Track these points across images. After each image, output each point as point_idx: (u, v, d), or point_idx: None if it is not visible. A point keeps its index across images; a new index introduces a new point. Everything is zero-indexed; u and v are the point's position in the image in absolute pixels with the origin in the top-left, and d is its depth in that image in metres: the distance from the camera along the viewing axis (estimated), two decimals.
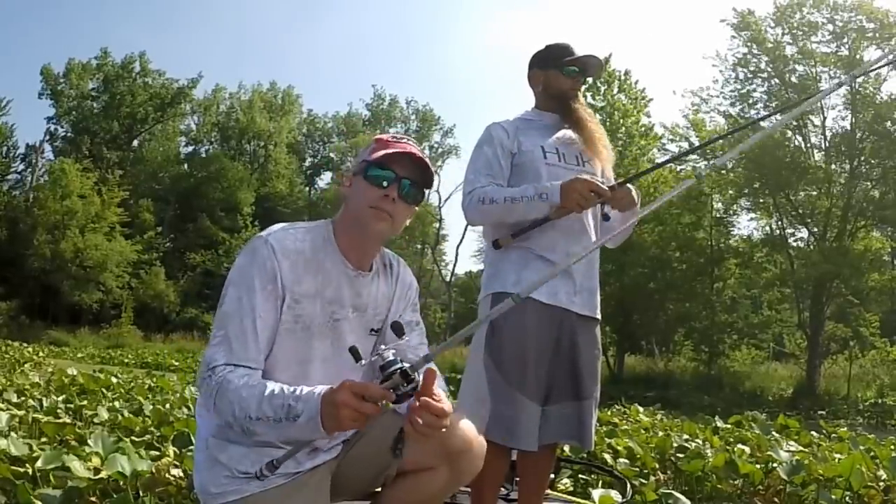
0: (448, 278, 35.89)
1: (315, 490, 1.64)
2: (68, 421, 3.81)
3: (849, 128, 19.31)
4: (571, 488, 3.40)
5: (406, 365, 1.31)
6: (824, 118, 19.93)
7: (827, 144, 19.97)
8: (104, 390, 6.46)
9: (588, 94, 22.33)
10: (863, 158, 18.82)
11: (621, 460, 3.70)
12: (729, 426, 5.54)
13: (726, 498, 3.46)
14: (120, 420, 4.12)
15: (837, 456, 3.88)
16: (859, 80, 19.24)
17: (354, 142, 37.78)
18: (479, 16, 67.56)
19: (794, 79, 19.76)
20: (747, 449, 4.00)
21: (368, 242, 1.66)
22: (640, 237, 19.78)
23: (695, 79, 65.28)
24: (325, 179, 42.90)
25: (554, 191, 2.16)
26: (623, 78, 24.06)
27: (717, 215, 21.80)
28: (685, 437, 4.49)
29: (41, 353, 16.16)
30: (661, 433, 4.76)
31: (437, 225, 36.69)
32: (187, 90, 38.70)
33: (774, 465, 3.48)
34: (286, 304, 1.55)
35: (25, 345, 19.01)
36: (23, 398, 5.18)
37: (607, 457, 3.77)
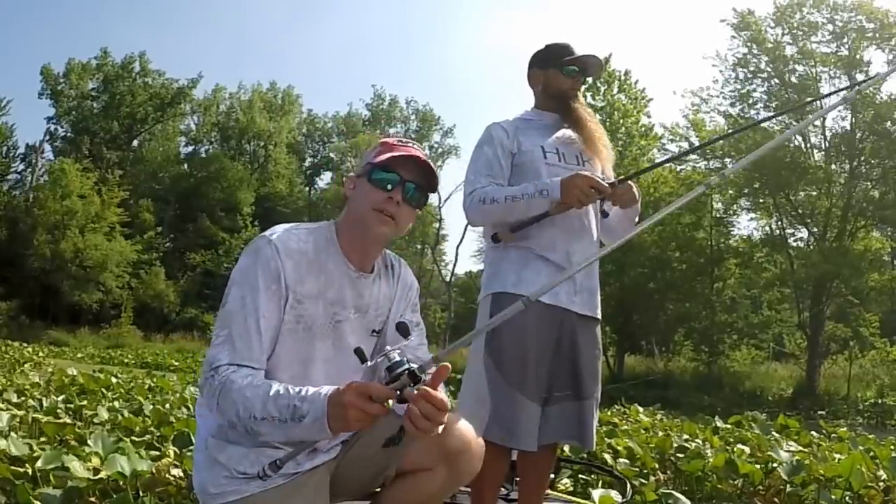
0: (448, 278, 35.89)
1: (314, 490, 1.64)
2: (68, 421, 3.81)
3: (849, 128, 19.33)
4: (571, 488, 3.40)
5: (414, 365, 1.31)
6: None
7: (827, 144, 19.98)
8: (104, 390, 6.45)
9: (588, 94, 22.34)
10: (863, 158, 18.84)
11: (621, 460, 3.70)
12: (729, 426, 5.53)
13: (726, 498, 3.46)
14: (120, 420, 4.11)
15: (837, 456, 3.88)
16: (859, 79, 19.27)
17: (354, 142, 37.77)
18: (479, 16, 67.63)
19: (794, 79, 19.78)
20: (747, 449, 4.00)
21: (371, 244, 1.66)
22: (640, 237, 19.76)
23: (695, 79, 65.30)
24: (325, 179, 42.95)
25: (554, 187, 2.16)
26: (623, 78, 24.08)
27: (717, 215, 21.81)
28: (685, 437, 4.49)
29: (41, 353, 16.16)
30: (661, 433, 4.76)
31: (437, 225, 36.69)
32: (187, 90, 38.70)
33: (774, 465, 3.48)
34: (289, 305, 1.56)
35: (25, 345, 19.01)
36: (23, 398, 5.18)
37: (607, 457, 3.77)
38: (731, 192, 20.84)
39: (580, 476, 3.54)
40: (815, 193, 19.58)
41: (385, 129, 40.18)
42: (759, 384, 18.57)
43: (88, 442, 2.98)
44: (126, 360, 17.75)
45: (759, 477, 3.39)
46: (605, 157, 2.37)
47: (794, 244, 21.01)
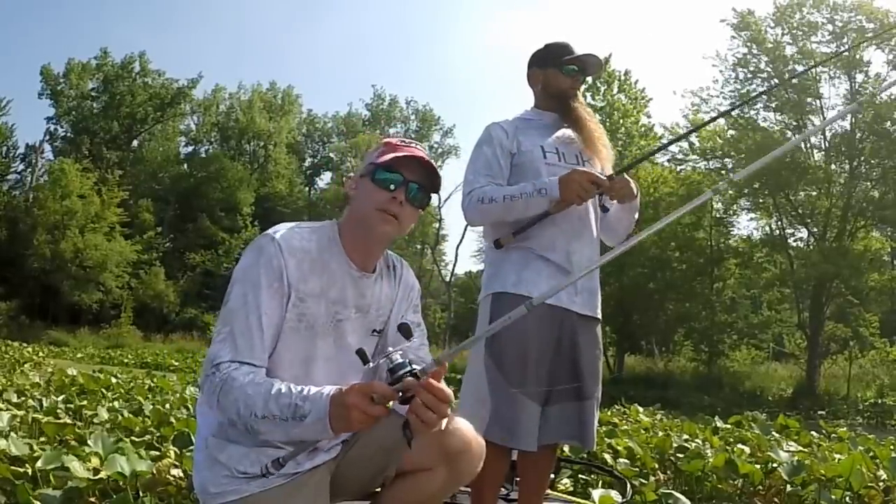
0: (448, 278, 35.91)
1: (315, 490, 1.64)
2: (68, 421, 3.81)
3: (849, 128, 19.33)
4: (571, 488, 3.40)
5: (417, 367, 1.31)
6: (824, 118, 19.94)
7: (827, 144, 19.98)
8: (104, 390, 6.45)
9: (588, 94, 22.36)
10: (863, 158, 18.84)
11: (621, 460, 3.70)
12: (729, 426, 5.53)
13: (726, 498, 3.46)
14: (120, 420, 4.11)
15: (837, 456, 3.87)
16: (859, 80, 19.30)
17: (354, 142, 37.79)
18: (479, 16, 67.61)
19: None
20: (747, 449, 4.00)
21: (374, 244, 1.67)
22: None
23: (695, 79, 65.28)
24: (324, 179, 42.96)
25: (552, 185, 2.17)
26: (623, 78, 24.13)
27: (717, 215, 21.82)
28: (685, 437, 4.49)
29: (41, 353, 16.16)
30: (661, 433, 4.76)
31: (437, 225, 36.72)
32: (187, 90, 38.68)
33: (774, 465, 3.48)
34: (291, 303, 1.56)
35: (25, 345, 19.01)
36: (23, 398, 5.17)
37: (607, 457, 3.77)
38: (730, 192, 20.83)
39: (580, 476, 3.54)
40: (815, 193, 19.58)
41: (385, 129, 40.20)
42: (759, 384, 18.57)
43: (88, 442, 2.98)
44: (126, 361, 17.75)
45: (759, 477, 3.39)
46: (604, 157, 2.37)
47: (794, 244, 21.04)
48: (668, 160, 22.77)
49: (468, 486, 2.17)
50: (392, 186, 1.59)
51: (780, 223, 20.80)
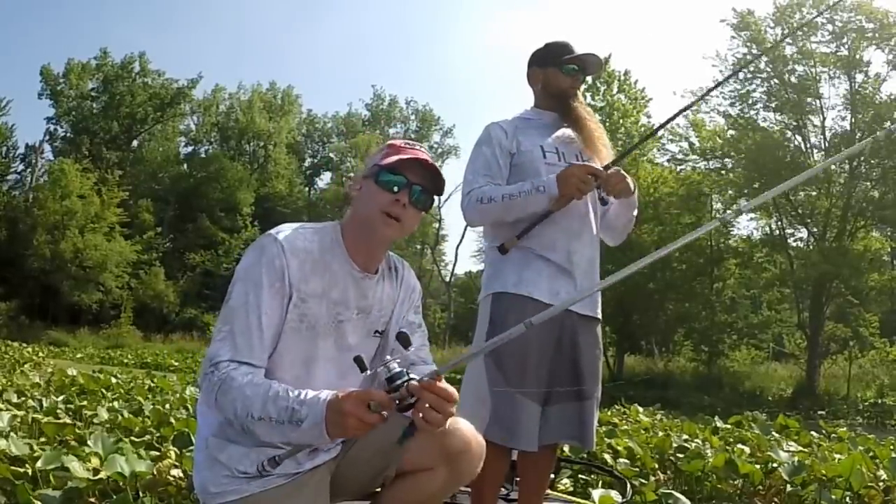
0: (448, 278, 35.92)
1: (315, 490, 1.64)
2: (68, 421, 3.81)
3: (848, 128, 19.32)
4: (571, 488, 3.40)
5: (414, 377, 1.32)
6: (824, 118, 19.97)
7: (827, 144, 19.97)
8: (104, 390, 6.45)
9: (588, 94, 22.35)
10: (863, 158, 18.82)
11: (621, 460, 3.70)
12: (729, 426, 5.53)
13: (726, 498, 3.46)
14: (120, 420, 4.11)
15: (837, 456, 3.87)
16: (859, 79, 19.29)
17: (354, 142, 37.82)
18: (479, 16, 67.56)
19: (793, 79, 19.77)
20: (747, 449, 4.00)
21: (376, 246, 1.67)
22: (640, 237, 19.77)
23: (695, 79, 65.15)
24: (324, 180, 42.97)
25: (551, 182, 2.17)
26: (623, 78, 24.13)
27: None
28: (685, 437, 4.48)
29: (41, 354, 16.16)
30: (660, 433, 4.76)
31: (437, 225, 36.72)
32: (187, 90, 38.69)
33: (774, 465, 3.48)
34: (292, 303, 1.56)
35: (25, 345, 19.00)
36: (23, 398, 5.17)
37: (607, 457, 3.77)
38: (730, 192, 20.83)
39: (580, 476, 3.54)
40: (814, 193, 19.56)
41: (385, 129, 40.21)
42: (759, 384, 18.57)
43: (88, 442, 2.98)
44: (126, 361, 17.75)
45: (759, 477, 3.39)
46: (604, 157, 2.37)
47: (794, 244, 21.02)
48: (668, 160, 22.80)
49: (468, 486, 2.16)
50: (395, 188, 1.59)
51: (779, 223, 20.79)
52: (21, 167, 34.93)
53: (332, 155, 42.26)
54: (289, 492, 1.58)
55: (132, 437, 3.48)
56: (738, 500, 3.45)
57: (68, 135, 36.89)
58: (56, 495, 2.47)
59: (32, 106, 68.40)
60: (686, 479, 3.60)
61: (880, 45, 18.79)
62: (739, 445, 4.16)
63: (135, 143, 39.04)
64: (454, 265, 37.19)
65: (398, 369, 1.34)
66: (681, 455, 3.80)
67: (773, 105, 20.18)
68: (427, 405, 1.32)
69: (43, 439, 3.45)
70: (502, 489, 2.67)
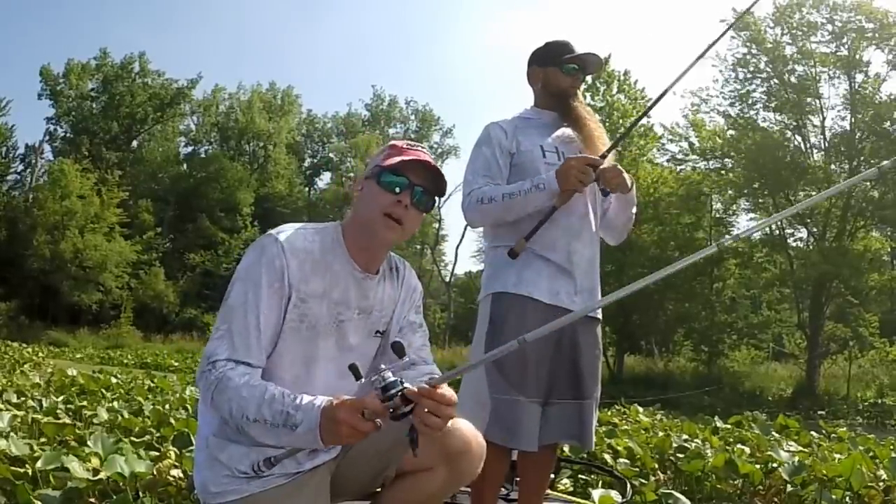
0: (448, 278, 35.91)
1: (315, 490, 1.64)
2: (68, 421, 3.81)
3: (848, 128, 19.32)
4: (571, 488, 3.40)
5: (408, 387, 1.33)
6: (823, 118, 19.98)
7: (826, 144, 19.97)
8: (104, 391, 6.45)
9: (587, 94, 22.33)
10: (862, 158, 18.82)
11: (621, 460, 3.70)
12: (729, 426, 5.53)
13: (726, 498, 3.46)
14: (119, 421, 4.11)
15: (837, 456, 3.87)
16: (858, 79, 19.29)
17: (354, 142, 37.81)
18: (479, 16, 67.52)
19: (793, 79, 19.77)
20: (747, 449, 4.00)
21: (377, 247, 1.67)
22: (640, 237, 19.79)
23: (695, 79, 65.07)
24: (324, 180, 42.92)
25: (550, 179, 2.17)
26: (623, 78, 24.09)
27: (717, 215, 21.81)
28: (685, 437, 4.48)
29: (41, 354, 16.16)
30: (660, 433, 4.76)
31: (437, 225, 36.72)
32: (186, 90, 38.67)
33: (774, 465, 3.48)
34: (292, 303, 1.56)
35: (25, 345, 19.00)
36: (23, 398, 5.17)
37: (607, 457, 3.77)
38: (730, 192, 20.85)
39: (580, 476, 3.54)
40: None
41: (384, 129, 40.22)
42: (759, 384, 18.57)
43: (88, 442, 2.98)
44: (126, 361, 17.75)
45: (759, 477, 3.39)
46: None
47: (794, 244, 21.02)
48: (668, 160, 22.79)
49: (468, 486, 2.16)
50: (397, 189, 1.59)
51: (779, 223, 20.78)
52: (21, 167, 34.99)
53: (331, 155, 42.25)
54: (289, 492, 1.58)
55: (132, 438, 3.48)
56: (738, 500, 3.45)
57: (68, 135, 36.87)
58: (56, 495, 2.47)
59: (32, 106, 68.31)
60: (686, 479, 3.60)
61: (880, 45, 18.79)
62: (739, 445, 4.16)
63: (135, 143, 39.03)
64: (454, 265, 37.23)
65: (392, 378, 1.34)
66: (681, 455, 3.80)
67: (772, 105, 20.18)
68: (426, 410, 1.33)
69: (43, 439, 3.45)
70: (502, 489, 2.67)
